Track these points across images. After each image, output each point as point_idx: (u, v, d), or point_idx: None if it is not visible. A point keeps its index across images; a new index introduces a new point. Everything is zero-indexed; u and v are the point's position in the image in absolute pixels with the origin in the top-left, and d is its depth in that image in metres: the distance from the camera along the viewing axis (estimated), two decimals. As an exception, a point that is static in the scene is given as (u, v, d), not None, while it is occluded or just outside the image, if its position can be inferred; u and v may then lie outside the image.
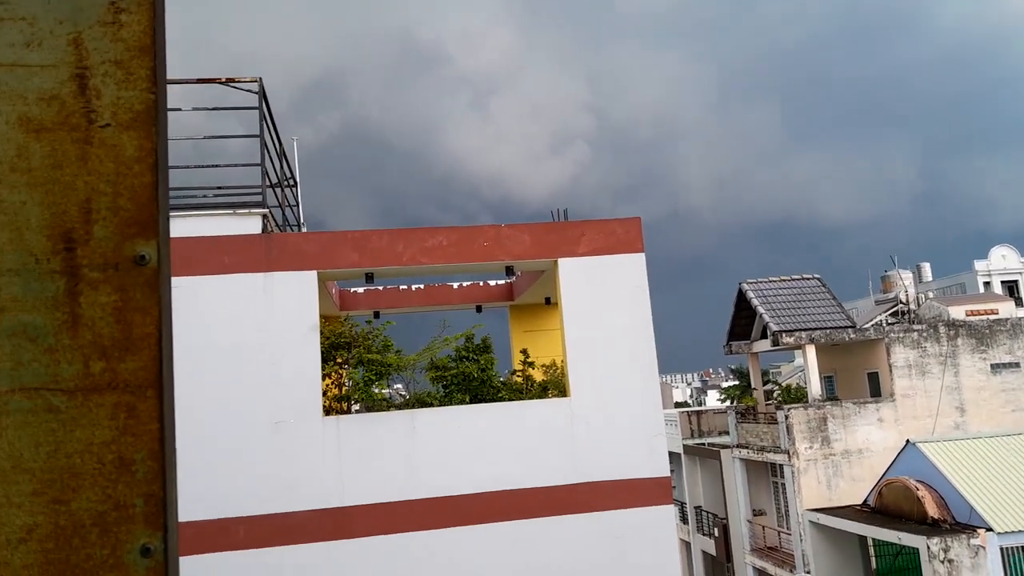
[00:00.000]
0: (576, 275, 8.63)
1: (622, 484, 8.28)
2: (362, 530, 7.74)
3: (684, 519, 32.80)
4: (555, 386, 9.13)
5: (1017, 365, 25.32)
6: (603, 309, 8.61)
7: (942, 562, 16.07)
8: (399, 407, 8.65)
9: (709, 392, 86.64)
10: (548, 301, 12.51)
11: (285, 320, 7.89)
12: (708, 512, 30.85)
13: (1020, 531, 16.49)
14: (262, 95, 8.25)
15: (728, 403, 41.09)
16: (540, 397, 8.94)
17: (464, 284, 13.47)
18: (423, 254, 8.55)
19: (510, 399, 8.72)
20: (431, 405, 8.44)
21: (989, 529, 16.49)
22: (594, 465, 8.25)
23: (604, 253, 8.75)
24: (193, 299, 7.71)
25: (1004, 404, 24.93)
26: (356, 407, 8.88)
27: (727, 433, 29.71)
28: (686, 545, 32.72)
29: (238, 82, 8.16)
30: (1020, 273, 61.18)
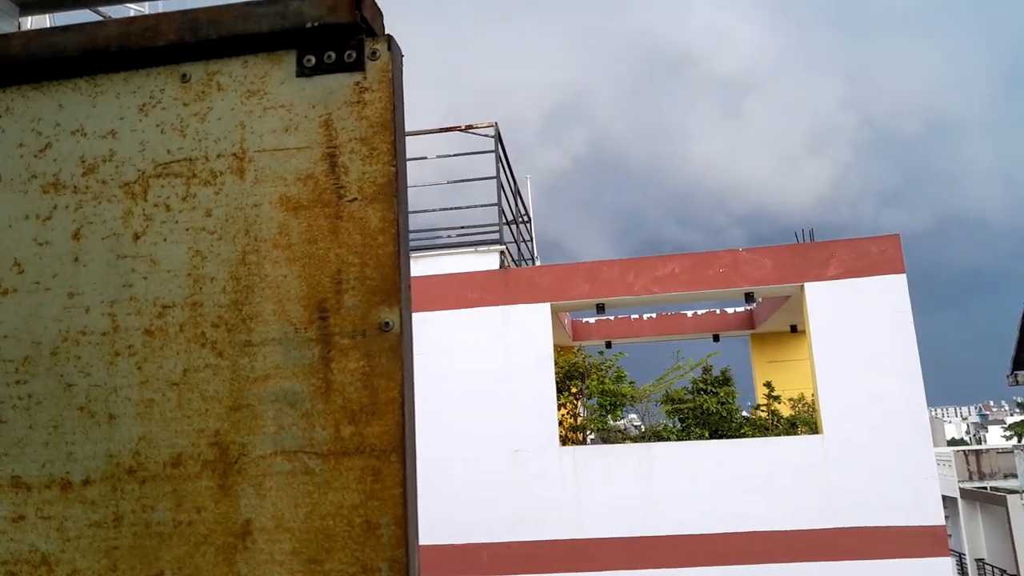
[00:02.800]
0: (826, 300, 8.00)
1: (887, 531, 7.45)
2: (601, 564, 7.68)
3: (963, 573, 28.80)
4: (804, 422, 8.46)
5: None
6: (859, 337, 7.88)
7: None
8: (634, 439, 8.52)
9: (990, 428, 75.92)
10: (794, 329, 11.71)
11: (522, 351, 8.15)
12: (993, 567, 26.81)
13: None
14: (498, 138, 8.68)
15: (1016, 441, 35.63)
16: (788, 434, 8.33)
17: (699, 312, 13.04)
18: (655, 283, 8.41)
19: (753, 435, 8.22)
20: (668, 439, 8.21)
21: None
22: (853, 509, 7.51)
23: (858, 275, 8.04)
24: (440, 332, 8.23)
25: None
26: (591, 437, 8.89)
27: (1015, 476, 25.75)
28: (968, 603, 28.64)
29: (476, 128, 8.66)
30: None
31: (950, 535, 28.99)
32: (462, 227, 9.05)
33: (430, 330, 8.21)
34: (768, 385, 8.83)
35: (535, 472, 7.89)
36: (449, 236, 9.11)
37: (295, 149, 0.95)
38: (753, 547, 7.49)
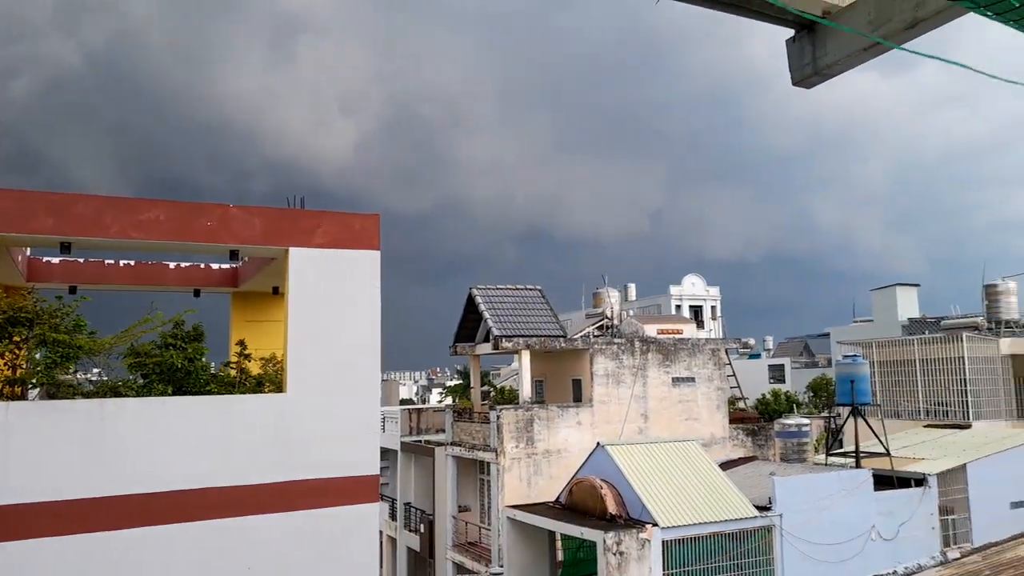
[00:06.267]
0: (308, 266, 8.42)
1: (331, 482, 8.23)
2: (32, 531, 6.83)
3: (394, 516, 33.29)
4: (272, 380, 8.81)
5: (693, 380, 29.39)
6: (332, 304, 8.50)
7: (615, 554, 18.12)
8: (88, 395, 7.76)
9: (434, 390, 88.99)
10: (276, 291, 12.03)
11: (-51, 287, 6.72)
12: (416, 508, 31.61)
13: (679, 526, 19.14)
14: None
15: (447, 401, 42.47)
16: (255, 392, 8.56)
17: (183, 264, 12.46)
18: (135, 228, 7.80)
19: (220, 393, 8.23)
20: (126, 395, 7.69)
21: (655, 524, 18.92)
22: (305, 463, 8.10)
23: (339, 247, 8.64)
24: None
25: (680, 413, 28.80)
26: (35, 393, 7.81)
27: (443, 431, 30.69)
28: (392, 541, 33.21)
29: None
30: (704, 300, 71.25)
31: (387, 483, 33.25)
32: None
33: None
34: (241, 344, 8.93)
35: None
36: None
37: None
38: (206, 503, 7.52)
